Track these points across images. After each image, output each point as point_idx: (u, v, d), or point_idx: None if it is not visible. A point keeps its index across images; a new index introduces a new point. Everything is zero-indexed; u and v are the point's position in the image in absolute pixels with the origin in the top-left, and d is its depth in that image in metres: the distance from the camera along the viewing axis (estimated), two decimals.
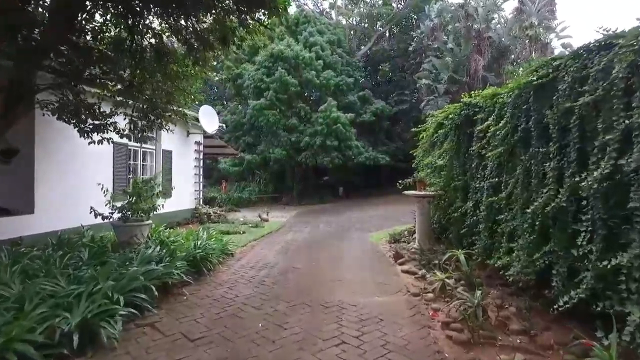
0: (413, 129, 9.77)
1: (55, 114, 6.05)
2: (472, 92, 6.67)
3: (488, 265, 5.64)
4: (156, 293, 4.73)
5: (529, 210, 4.09)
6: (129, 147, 10.61)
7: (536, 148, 4.34)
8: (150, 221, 7.39)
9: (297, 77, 19.62)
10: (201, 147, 14.51)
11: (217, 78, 34.73)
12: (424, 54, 22.86)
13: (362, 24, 31.88)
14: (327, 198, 22.76)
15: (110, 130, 6.75)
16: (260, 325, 4.23)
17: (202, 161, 14.66)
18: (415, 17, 28.29)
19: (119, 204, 7.27)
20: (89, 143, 6.72)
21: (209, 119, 13.53)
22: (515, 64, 18.13)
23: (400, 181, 8.67)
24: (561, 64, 4.07)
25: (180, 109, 8.25)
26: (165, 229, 8.91)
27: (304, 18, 23.29)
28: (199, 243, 6.93)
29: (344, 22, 31.15)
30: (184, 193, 13.27)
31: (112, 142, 9.34)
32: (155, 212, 7.61)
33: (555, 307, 3.49)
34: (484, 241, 5.59)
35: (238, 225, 12.95)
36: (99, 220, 7.08)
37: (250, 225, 12.95)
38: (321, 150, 19.14)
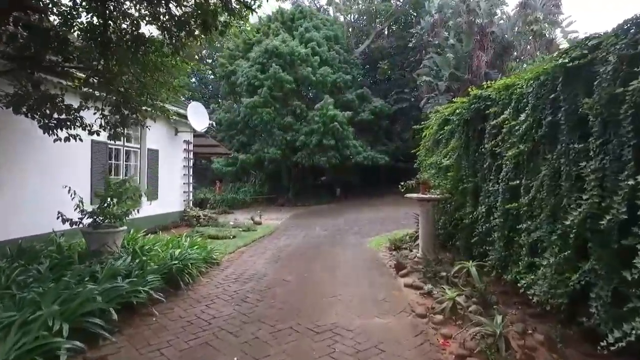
0: (415, 127, 9.06)
1: (9, 107, 5.31)
2: (484, 84, 5.97)
3: (503, 278, 4.94)
4: (115, 317, 3.99)
5: (567, 222, 3.34)
6: (110, 146, 9.88)
7: (567, 144, 3.63)
8: (124, 227, 6.64)
9: (292, 74, 18.89)
10: (191, 147, 13.77)
11: (212, 76, 34.12)
12: (424, 51, 22.15)
13: (360, 22, 31.18)
14: (324, 199, 22.05)
15: (77, 127, 6.01)
16: (235, 359, 3.50)
17: (191, 161, 13.92)
18: (414, 14, 27.63)
19: (91, 209, 6.54)
20: (54, 140, 5.98)
21: (199, 117, 12.79)
22: (519, 60, 17.41)
23: (402, 183, 7.95)
24: (600, 43, 3.35)
25: (161, 103, 7.50)
26: (145, 235, 8.19)
27: (300, 13, 22.57)
28: (177, 253, 6.20)
29: (341, 19, 30.44)
30: (171, 195, 12.54)
31: (92, 140, 8.73)
32: (129, 218, 6.85)
33: (603, 344, 2.77)
34: (499, 252, 4.88)
35: (229, 228, 12.23)
36: (75, 225, 6.35)
37: (241, 228, 12.24)
38: (318, 149, 18.41)
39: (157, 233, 9.63)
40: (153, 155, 11.61)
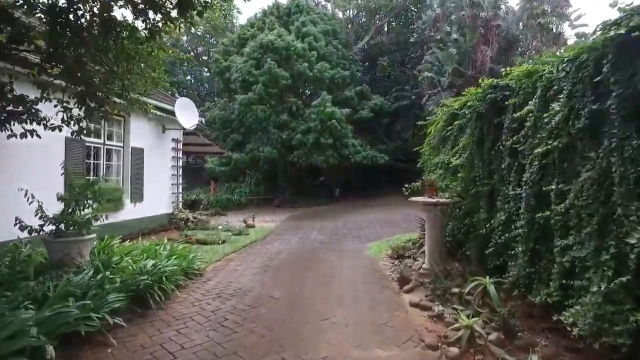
0: (419, 122, 8.28)
1: None
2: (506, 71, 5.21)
3: (528, 299, 4.18)
4: (52, 354, 3.20)
5: (632, 241, 2.57)
6: (88, 144, 9.11)
7: (620, 139, 2.87)
8: (92, 235, 5.86)
9: (288, 70, 18.11)
10: (180, 145, 12.99)
11: (207, 74, 33.33)
12: (426, 46, 21.40)
13: (360, 18, 30.43)
14: (322, 200, 21.29)
15: (34, 120, 5.23)
16: None
17: (181, 160, 13.14)
18: (415, 9, 26.88)
19: (52, 214, 5.76)
20: (8, 137, 5.20)
21: (188, 114, 12.02)
22: (525, 55, 16.66)
23: (406, 185, 7.18)
24: None
25: (139, 96, 6.73)
26: (122, 242, 7.42)
27: (296, 7, 21.78)
28: (149, 265, 5.43)
29: (340, 15, 29.70)
30: (159, 196, 11.78)
31: (65, 138, 7.96)
32: (105, 222, 6.09)
33: None
34: (522, 268, 4.13)
35: (219, 232, 11.45)
36: (36, 233, 5.58)
37: (233, 232, 11.48)
38: (315, 148, 17.64)
39: (140, 238, 8.87)
40: (137, 154, 10.84)
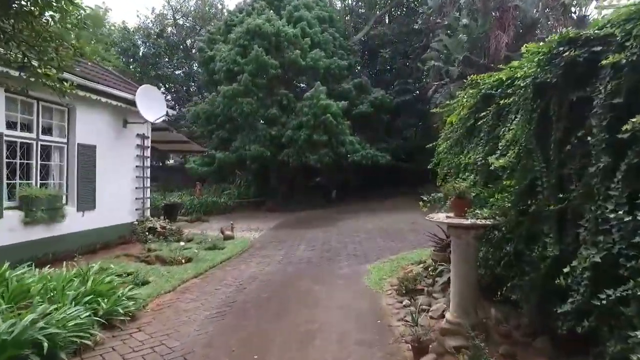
0: (433, 110, 6.34)
1: None
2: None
3: None
4: None
5: None
6: (9, 138, 7.16)
7: None
8: None
9: (278, 58, 16.13)
10: (148, 142, 11.05)
11: (197, 67, 31.33)
12: (432, 34, 19.46)
13: (359, 8, 28.41)
14: (318, 203, 19.31)
15: None
16: None
17: (149, 160, 11.20)
18: None
19: None
20: None
21: (152, 104, 10.08)
22: (545, 41, 14.68)
23: (424, 197, 5.28)
24: None
25: (54, 70, 4.78)
26: (37, 268, 5.50)
27: None
28: (20, 325, 3.48)
29: (338, 5, 27.75)
30: (118, 202, 9.86)
31: None
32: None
33: None
34: None
35: (189, 246, 9.56)
36: None
37: (205, 246, 9.57)
38: (307, 146, 15.66)
39: (78, 257, 6.97)
40: (87, 152, 8.90)
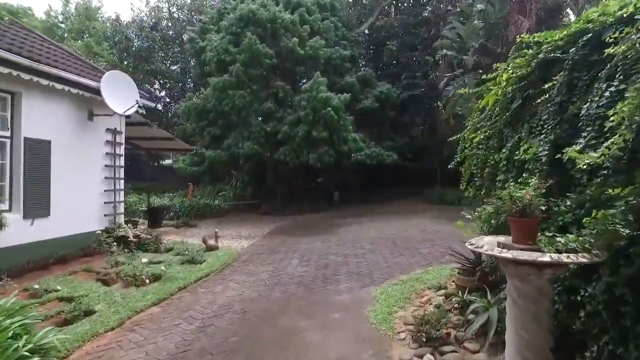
0: (462, 91, 4.82)
1: None
2: None
3: None
4: None
5: None
6: None
7: None
8: None
9: (274, 47, 14.65)
10: (121, 138, 9.62)
11: (193, 62, 29.89)
12: (442, 23, 17.92)
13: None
14: (319, 206, 17.81)
15: None
16: None
17: (122, 158, 9.76)
18: None
19: None
20: None
21: (121, 93, 8.65)
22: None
23: (468, 212, 3.82)
24: None
25: None
26: None
27: None
28: None
29: None
30: (81, 208, 8.43)
31: None
32: None
33: None
34: None
35: (164, 259, 8.14)
36: None
37: (183, 259, 8.16)
38: (305, 143, 14.17)
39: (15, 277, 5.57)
40: (39, 148, 7.46)
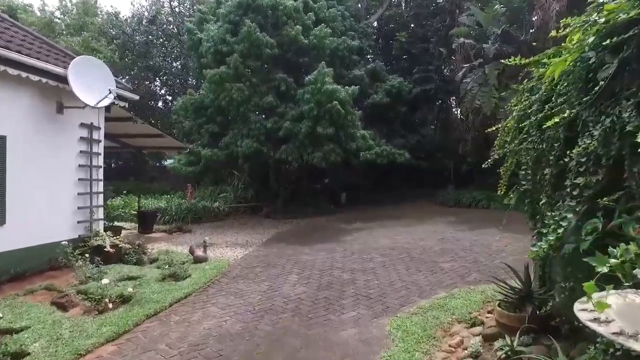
0: (508, 61, 3.55)
1: None
2: None
3: None
4: None
5: None
6: None
7: None
8: None
9: (276, 36, 13.45)
10: (99, 134, 8.49)
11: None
12: (458, 11, 16.59)
13: None
14: (324, 208, 16.55)
15: None
16: None
17: (100, 157, 8.63)
18: None
19: None
20: None
21: (96, 83, 7.50)
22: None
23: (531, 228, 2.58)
24: None
25: None
26: None
27: None
28: None
29: None
30: (47, 214, 7.31)
31: None
32: None
33: None
34: None
35: (143, 274, 7.01)
36: None
37: (164, 273, 7.04)
38: (309, 141, 12.94)
39: None
40: None
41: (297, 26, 13.26)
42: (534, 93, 3.71)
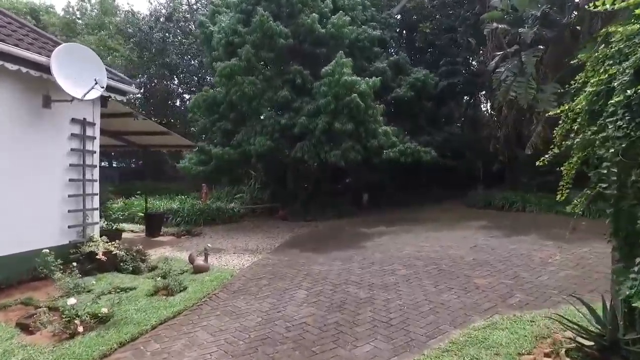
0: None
1: None
2: None
3: None
4: None
5: None
6: None
7: None
8: None
9: (291, 26, 12.52)
10: (93, 131, 7.76)
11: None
12: None
13: None
14: (345, 209, 15.49)
15: None
16: None
17: (95, 156, 7.89)
18: None
19: None
20: None
21: (84, 73, 6.74)
22: None
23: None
24: None
25: None
26: None
27: None
28: None
29: None
30: (32, 219, 6.61)
31: None
32: None
33: None
34: None
35: (135, 285, 6.24)
36: None
37: (157, 285, 6.22)
38: (327, 138, 11.94)
39: None
40: None
41: (314, 14, 12.28)
42: (621, 60, 2.62)
